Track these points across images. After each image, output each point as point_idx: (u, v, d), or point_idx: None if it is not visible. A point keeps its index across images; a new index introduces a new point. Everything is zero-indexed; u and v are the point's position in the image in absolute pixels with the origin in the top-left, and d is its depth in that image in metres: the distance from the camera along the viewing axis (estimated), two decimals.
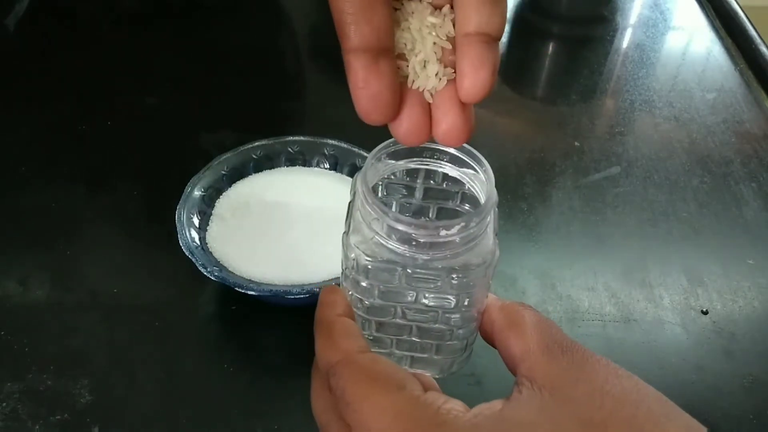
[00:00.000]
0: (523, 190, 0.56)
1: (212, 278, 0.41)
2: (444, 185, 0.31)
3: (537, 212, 0.54)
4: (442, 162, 0.30)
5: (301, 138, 0.51)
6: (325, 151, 0.51)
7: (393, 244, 0.27)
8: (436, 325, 0.30)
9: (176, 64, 0.68)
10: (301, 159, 0.51)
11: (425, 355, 0.32)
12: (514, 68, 0.73)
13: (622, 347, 0.46)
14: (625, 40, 0.76)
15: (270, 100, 0.64)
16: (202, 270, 0.42)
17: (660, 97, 0.67)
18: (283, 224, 0.46)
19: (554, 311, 0.47)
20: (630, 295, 0.49)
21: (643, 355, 0.45)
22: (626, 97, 0.67)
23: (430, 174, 0.31)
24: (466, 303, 0.29)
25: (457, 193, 0.31)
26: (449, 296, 0.29)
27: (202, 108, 0.63)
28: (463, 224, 0.27)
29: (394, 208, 0.33)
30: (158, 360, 0.44)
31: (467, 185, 0.30)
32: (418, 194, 0.32)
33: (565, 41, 0.78)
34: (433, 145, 0.29)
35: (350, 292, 0.30)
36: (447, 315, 0.30)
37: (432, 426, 0.25)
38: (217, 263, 0.43)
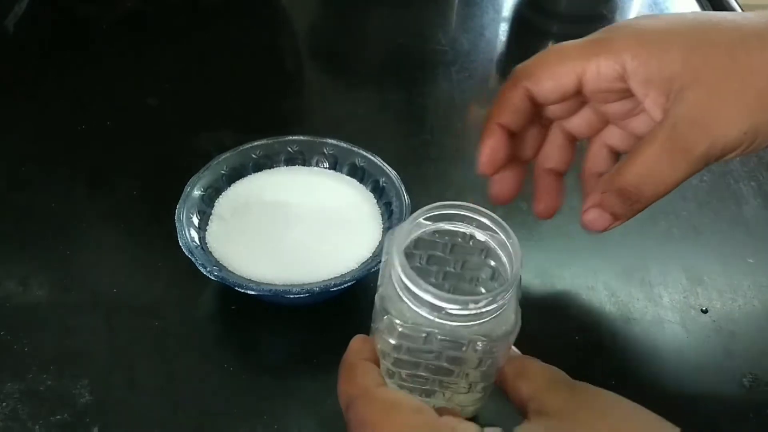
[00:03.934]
0: (522, 190, 0.56)
1: (212, 278, 0.41)
2: (470, 243, 0.33)
3: None
4: (471, 226, 0.33)
5: (301, 137, 0.51)
6: (325, 150, 0.51)
7: (424, 311, 0.29)
8: (459, 380, 0.33)
9: (176, 64, 0.68)
10: (301, 158, 0.51)
11: (445, 403, 0.34)
12: (514, 67, 0.73)
13: (621, 346, 0.46)
14: None
15: (270, 100, 0.64)
16: (202, 270, 0.42)
17: None
18: (283, 224, 0.46)
19: None
20: (630, 294, 0.49)
21: (642, 354, 0.45)
22: None
23: (457, 234, 0.33)
24: (488, 364, 0.31)
25: (482, 250, 0.33)
26: (473, 358, 0.31)
27: (202, 108, 0.63)
28: (490, 299, 0.29)
29: (424, 261, 0.35)
30: (158, 360, 0.44)
31: (491, 244, 0.33)
32: (447, 249, 0.34)
33: (564, 40, 0.78)
34: (464, 212, 0.32)
35: (378, 345, 0.32)
36: (468, 373, 0.32)
37: None
38: (217, 263, 0.43)
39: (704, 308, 0.48)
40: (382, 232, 0.47)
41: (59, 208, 0.53)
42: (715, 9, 0.79)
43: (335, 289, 0.42)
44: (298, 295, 0.41)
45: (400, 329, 0.30)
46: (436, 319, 0.29)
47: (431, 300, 0.29)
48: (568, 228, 0.53)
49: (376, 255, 0.44)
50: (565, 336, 0.46)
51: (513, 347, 0.33)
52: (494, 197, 0.43)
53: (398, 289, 0.30)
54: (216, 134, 0.59)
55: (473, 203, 0.33)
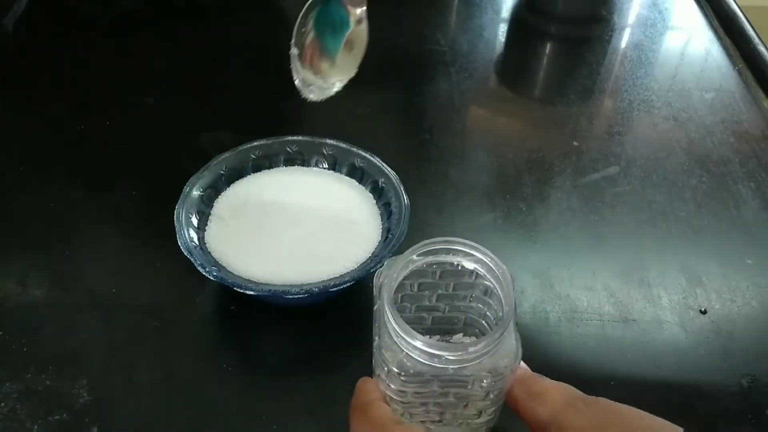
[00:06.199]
0: (521, 190, 0.56)
1: (211, 278, 0.41)
2: (459, 268, 0.33)
3: (536, 212, 0.54)
4: (457, 256, 0.32)
5: (300, 138, 0.51)
6: (324, 150, 0.51)
7: (424, 359, 0.29)
8: (467, 411, 0.33)
9: (175, 64, 0.68)
10: (300, 159, 0.51)
11: (458, 427, 0.35)
12: (513, 69, 0.73)
13: (620, 347, 0.46)
14: (624, 40, 0.77)
15: (268, 100, 0.64)
16: (201, 270, 0.42)
17: (658, 97, 0.67)
18: (282, 224, 0.46)
19: (553, 311, 0.47)
20: (629, 295, 0.49)
21: (641, 354, 0.45)
22: (625, 97, 0.67)
23: (446, 263, 0.33)
24: (495, 393, 0.31)
25: (472, 272, 0.33)
26: (480, 392, 0.31)
27: (201, 108, 0.63)
28: (490, 340, 0.28)
29: (416, 288, 0.35)
30: (157, 360, 0.43)
31: (480, 271, 0.32)
32: (436, 275, 0.34)
33: (563, 41, 0.78)
34: (452, 246, 0.32)
35: (383, 390, 0.32)
36: (477, 403, 0.32)
37: None
38: (216, 263, 0.43)
39: (703, 309, 0.48)
40: (381, 232, 0.47)
41: (58, 208, 0.53)
42: (713, 9, 0.80)
43: (334, 289, 0.42)
44: (296, 296, 0.41)
45: (402, 378, 0.30)
46: (437, 365, 0.29)
47: (428, 350, 0.29)
48: (567, 229, 0.53)
49: (375, 255, 0.44)
50: (564, 337, 0.46)
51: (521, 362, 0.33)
52: None
53: (395, 340, 0.30)
54: (215, 134, 0.59)
55: (460, 238, 0.32)
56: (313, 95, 0.40)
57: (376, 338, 0.31)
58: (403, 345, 0.29)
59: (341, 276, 0.43)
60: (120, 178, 0.55)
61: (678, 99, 0.67)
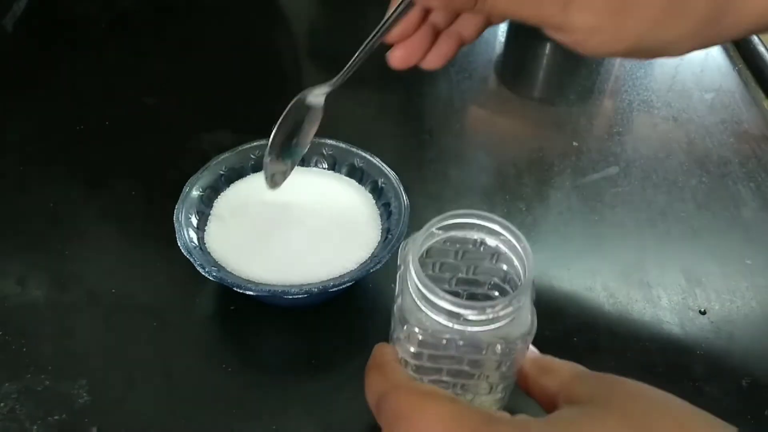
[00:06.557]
0: (521, 190, 0.56)
1: (210, 278, 0.41)
2: (480, 249, 0.34)
3: (535, 212, 0.54)
4: (481, 233, 0.33)
5: None
6: (324, 151, 0.51)
7: (442, 319, 0.30)
8: (480, 382, 0.34)
9: (174, 64, 0.68)
10: (300, 159, 0.51)
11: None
12: (512, 68, 0.73)
13: (620, 347, 0.46)
14: None
15: (268, 101, 0.64)
16: (201, 270, 0.42)
17: (658, 98, 0.67)
18: (282, 224, 0.46)
19: (553, 311, 0.47)
20: (628, 295, 0.49)
21: (640, 355, 0.45)
22: (624, 97, 0.67)
23: (468, 241, 0.34)
24: (507, 365, 0.32)
25: (493, 255, 0.34)
26: (493, 361, 0.32)
27: (201, 108, 0.63)
28: (507, 302, 0.29)
29: (437, 269, 0.36)
30: (156, 360, 0.43)
31: (502, 248, 0.33)
32: (458, 256, 0.35)
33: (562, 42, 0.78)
34: (475, 220, 0.33)
35: (399, 354, 0.33)
36: (489, 375, 0.33)
37: (486, 422, 0.27)
38: (216, 263, 0.43)
39: (702, 309, 0.48)
40: (381, 232, 0.47)
41: (57, 208, 0.53)
42: None
43: (334, 289, 0.42)
44: (296, 296, 0.41)
45: (420, 337, 0.31)
46: (455, 326, 0.30)
47: (449, 307, 0.29)
48: (566, 229, 0.53)
49: (375, 256, 0.44)
50: (564, 337, 0.46)
51: (532, 347, 0.34)
52: (396, 59, 0.39)
53: (416, 299, 0.31)
54: (215, 134, 0.59)
55: (483, 210, 0.33)
56: (277, 185, 0.45)
57: (398, 299, 0.32)
58: (425, 304, 0.30)
59: (341, 276, 0.43)
60: (119, 178, 0.55)
61: (678, 99, 0.67)
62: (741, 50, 0.73)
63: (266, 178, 0.44)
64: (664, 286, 0.49)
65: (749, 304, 0.49)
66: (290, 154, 0.44)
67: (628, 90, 0.68)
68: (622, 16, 0.33)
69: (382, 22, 0.37)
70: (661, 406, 0.28)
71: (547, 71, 0.73)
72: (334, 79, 0.41)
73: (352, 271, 0.43)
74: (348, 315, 0.46)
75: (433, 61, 0.39)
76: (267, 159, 0.43)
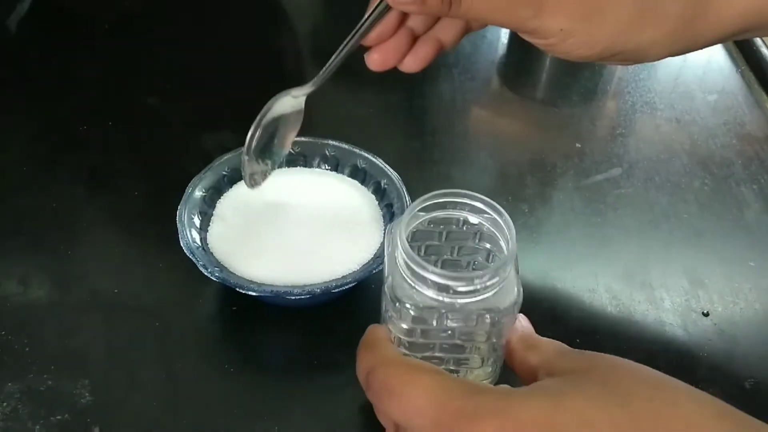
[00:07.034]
0: (523, 192, 0.56)
1: (213, 279, 0.41)
2: (464, 228, 0.36)
3: (538, 213, 0.54)
4: (464, 211, 0.35)
5: (302, 138, 0.50)
6: (327, 152, 0.51)
7: (432, 293, 0.31)
8: (470, 356, 0.35)
9: (176, 65, 0.68)
10: (302, 160, 0.51)
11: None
12: (515, 69, 0.73)
13: (622, 349, 0.45)
14: None
15: None
16: (203, 270, 0.42)
17: (661, 99, 0.67)
18: (284, 225, 0.46)
19: (553, 313, 0.47)
20: (631, 297, 0.48)
21: (643, 357, 0.45)
22: (627, 98, 0.67)
23: (451, 221, 0.35)
24: (497, 336, 0.34)
25: (476, 234, 0.36)
26: (482, 332, 0.33)
27: (203, 109, 0.63)
28: (493, 272, 0.31)
29: (422, 252, 0.37)
30: (159, 360, 0.44)
31: (485, 226, 0.35)
32: (442, 237, 0.37)
33: None
34: (456, 198, 0.34)
35: (392, 332, 0.34)
36: (479, 347, 0.35)
37: (470, 393, 0.28)
38: (218, 264, 0.43)
39: (705, 311, 0.48)
40: (383, 233, 0.47)
41: (60, 208, 0.53)
42: None
43: (336, 290, 0.42)
44: (299, 297, 0.41)
45: (412, 313, 0.32)
46: (445, 299, 0.31)
47: (438, 280, 0.31)
48: (569, 230, 0.53)
49: (378, 256, 0.44)
50: (566, 338, 0.46)
51: (522, 316, 0.35)
52: (373, 62, 0.40)
53: (406, 276, 0.32)
54: (217, 135, 0.59)
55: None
56: (257, 184, 0.45)
57: (389, 278, 0.33)
58: (414, 280, 0.31)
59: (343, 277, 0.43)
60: (122, 179, 0.55)
61: (681, 101, 0.67)
62: (744, 52, 0.73)
63: (244, 177, 0.44)
64: (666, 288, 0.49)
65: (752, 305, 0.48)
66: (270, 155, 0.44)
67: (631, 91, 0.68)
68: (594, 20, 0.34)
69: (358, 26, 0.37)
70: (640, 375, 0.29)
71: (549, 72, 0.73)
72: (312, 81, 0.41)
73: (354, 271, 0.43)
74: (350, 316, 0.46)
75: (410, 65, 0.40)
76: (244, 158, 0.43)
